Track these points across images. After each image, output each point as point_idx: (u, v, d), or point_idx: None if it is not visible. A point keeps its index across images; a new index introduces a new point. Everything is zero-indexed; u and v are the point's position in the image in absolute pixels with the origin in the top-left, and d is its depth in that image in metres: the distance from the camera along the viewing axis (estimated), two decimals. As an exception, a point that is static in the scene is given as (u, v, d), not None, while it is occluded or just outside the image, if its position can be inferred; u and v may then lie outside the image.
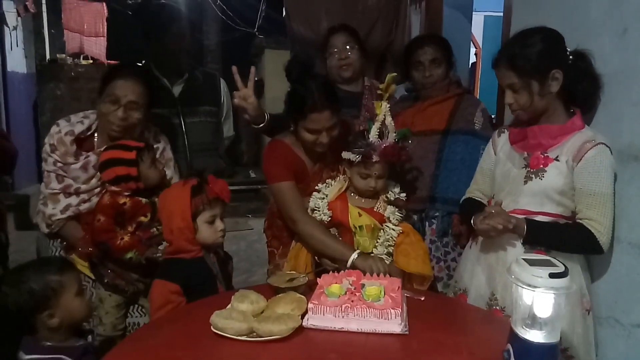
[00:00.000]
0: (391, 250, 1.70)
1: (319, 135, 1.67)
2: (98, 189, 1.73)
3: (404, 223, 1.74)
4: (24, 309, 1.33)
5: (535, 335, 1.03)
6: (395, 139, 1.66)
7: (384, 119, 1.66)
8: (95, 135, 1.78)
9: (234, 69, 1.81)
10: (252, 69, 1.83)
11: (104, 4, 5.86)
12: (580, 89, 1.52)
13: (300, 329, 1.27)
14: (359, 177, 1.69)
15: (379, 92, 1.74)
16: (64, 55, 6.44)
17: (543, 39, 1.46)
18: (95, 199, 1.72)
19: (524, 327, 1.05)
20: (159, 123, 1.95)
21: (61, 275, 1.36)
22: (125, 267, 1.71)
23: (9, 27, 5.59)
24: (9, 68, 5.90)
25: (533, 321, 1.04)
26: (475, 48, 3.60)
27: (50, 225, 1.73)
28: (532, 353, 1.04)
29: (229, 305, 1.33)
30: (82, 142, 1.74)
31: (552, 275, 1.00)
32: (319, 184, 1.77)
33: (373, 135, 1.65)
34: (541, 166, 1.48)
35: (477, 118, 2.03)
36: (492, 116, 2.17)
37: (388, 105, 1.67)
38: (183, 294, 1.51)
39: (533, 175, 1.50)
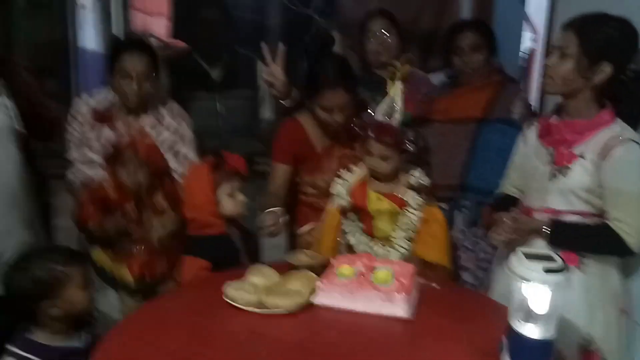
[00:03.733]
0: (411, 235, 1.70)
1: (332, 113, 1.70)
2: None
3: (428, 208, 1.73)
4: (26, 295, 1.34)
5: (529, 330, 1.03)
6: (398, 122, 1.65)
7: (394, 99, 1.65)
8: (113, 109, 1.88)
9: (264, 46, 1.85)
10: (281, 46, 1.87)
11: (168, -17, 6.11)
12: (626, 105, 1.44)
13: (309, 306, 1.32)
14: (366, 156, 1.70)
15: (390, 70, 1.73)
16: (130, 34, 6.78)
17: (622, 30, 1.39)
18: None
19: (518, 320, 1.04)
20: (197, 106, 2.05)
21: (67, 266, 1.37)
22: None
23: (78, 6, 5.93)
24: (82, 45, 6.28)
25: (527, 315, 1.03)
26: (534, 33, 3.40)
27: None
28: (525, 347, 1.03)
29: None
30: (102, 115, 1.85)
31: (547, 270, 0.99)
32: (340, 169, 1.79)
33: (379, 113, 1.65)
34: (565, 163, 1.43)
35: (517, 107, 1.97)
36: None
37: (401, 87, 1.66)
38: (211, 270, 1.60)
39: (558, 173, 1.45)
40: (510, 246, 1.46)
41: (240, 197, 1.70)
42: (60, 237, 2.51)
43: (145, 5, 6.60)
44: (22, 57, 6.11)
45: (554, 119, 1.53)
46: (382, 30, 2.13)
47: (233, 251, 1.70)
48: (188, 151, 1.89)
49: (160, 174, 1.75)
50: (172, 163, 1.83)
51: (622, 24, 1.39)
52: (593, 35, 1.38)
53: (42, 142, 2.34)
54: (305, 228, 1.89)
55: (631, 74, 1.41)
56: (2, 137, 1.50)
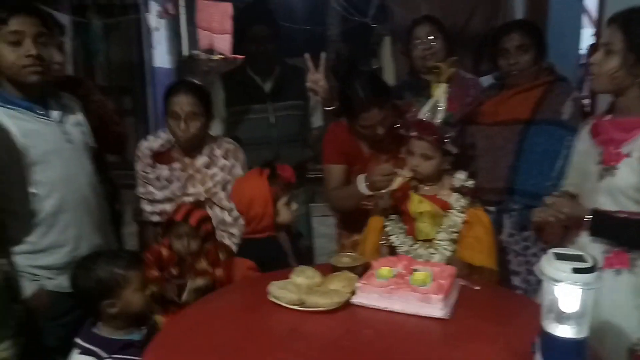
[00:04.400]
0: (454, 237, 1.71)
1: (372, 129, 1.75)
2: (170, 202, 1.95)
3: (472, 210, 1.72)
4: (89, 294, 1.47)
5: (560, 330, 1.02)
6: (440, 121, 1.66)
7: (438, 100, 1.67)
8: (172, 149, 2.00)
9: (307, 56, 1.93)
10: (322, 54, 1.95)
11: (230, 3, 6.40)
12: None
13: (348, 305, 1.37)
14: (408, 156, 1.73)
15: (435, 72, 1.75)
16: (197, 51, 7.18)
17: None
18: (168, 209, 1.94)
19: (550, 321, 1.04)
20: (251, 118, 2.17)
21: (127, 271, 1.49)
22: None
23: (151, 29, 6.38)
24: (155, 64, 6.74)
25: (559, 316, 1.03)
26: (596, 28, 3.23)
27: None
28: (557, 348, 1.03)
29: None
30: (161, 156, 1.98)
31: (576, 271, 0.98)
32: None
33: (422, 113, 1.68)
34: (613, 163, 1.39)
35: (566, 107, 1.92)
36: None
37: (447, 88, 1.68)
38: (258, 270, 1.70)
39: (606, 173, 1.42)
40: (553, 234, 1.44)
41: (294, 206, 1.80)
42: (129, 242, 2.74)
43: (211, 24, 7.00)
44: (101, 77, 6.69)
45: (606, 118, 1.50)
46: (428, 36, 2.16)
47: (280, 253, 1.79)
48: None
49: (209, 239, 1.83)
50: (224, 201, 1.93)
51: None
52: (638, 28, 1.34)
53: (114, 155, 2.58)
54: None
55: None
56: (78, 151, 1.67)
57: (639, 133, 1.37)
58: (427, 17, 2.23)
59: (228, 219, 1.93)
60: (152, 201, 1.99)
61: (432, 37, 2.16)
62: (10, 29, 1.46)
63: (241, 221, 1.87)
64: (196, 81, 2.05)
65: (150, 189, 1.99)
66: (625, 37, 1.35)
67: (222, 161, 1.96)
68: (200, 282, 1.76)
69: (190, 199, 1.94)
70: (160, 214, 1.97)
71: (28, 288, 1.55)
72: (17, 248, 1.54)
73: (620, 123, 1.41)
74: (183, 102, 1.89)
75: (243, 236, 1.80)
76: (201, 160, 1.95)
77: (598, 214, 1.41)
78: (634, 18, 1.36)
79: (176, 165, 1.95)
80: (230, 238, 1.92)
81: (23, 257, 1.55)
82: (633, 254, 1.38)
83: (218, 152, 1.97)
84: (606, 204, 1.43)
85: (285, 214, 1.77)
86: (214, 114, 2.07)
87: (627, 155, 1.38)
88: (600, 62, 1.41)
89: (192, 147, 1.95)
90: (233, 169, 1.97)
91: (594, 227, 1.41)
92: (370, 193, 1.81)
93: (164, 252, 1.79)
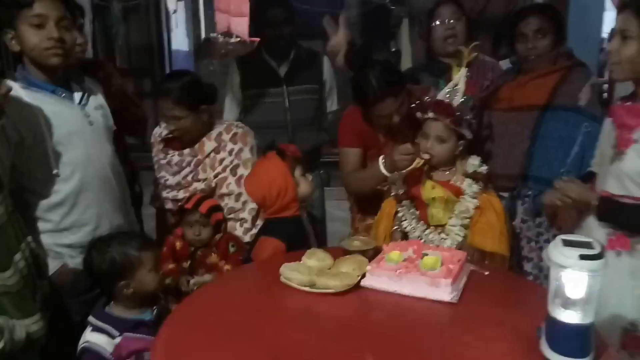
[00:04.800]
0: (467, 223, 1.72)
1: (388, 118, 1.76)
2: (181, 188, 2.00)
3: (485, 196, 1.73)
4: (105, 275, 1.51)
5: (566, 316, 1.04)
6: (459, 101, 1.67)
7: (457, 84, 1.67)
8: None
9: (326, 19, 1.96)
10: (342, 15, 1.97)
11: (248, -15, 6.42)
12: None
13: (357, 288, 1.40)
14: (421, 138, 1.73)
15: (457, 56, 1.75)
16: (215, 34, 7.21)
17: None
18: (180, 196, 2.00)
19: (556, 306, 1.06)
20: (266, 101, 2.20)
21: (140, 252, 1.52)
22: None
23: (169, 11, 6.41)
24: (174, 47, 6.78)
25: (565, 301, 1.04)
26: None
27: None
28: (563, 333, 1.04)
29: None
30: (173, 142, 2.02)
31: (583, 257, 0.99)
32: None
33: (442, 95, 1.68)
34: (623, 148, 1.39)
35: (584, 93, 1.89)
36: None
37: (467, 72, 1.69)
38: (286, 251, 1.73)
39: (616, 157, 1.42)
40: (562, 222, 1.45)
41: (310, 177, 1.86)
42: (149, 223, 2.81)
43: (229, 7, 6.99)
44: (120, 60, 6.76)
45: (627, 104, 1.49)
46: (450, 18, 2.14)
47: (303, 234, 1.84)
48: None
49: (220, 229, 1.92)
50: (232, 185, 1.95)
51: None
52: None
53: (134, 137, 2.64)
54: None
55: None
56: (99, 134, 1.71)
57: None
58: None
59: (236, 205, 1.95)
60: (166, 187, 2.04)
61: (453, 19, 2.14)
62: (34, 12, 1.51)
63: (250, 205, 1.91)
64: (183, 75, 2.03)
65: (164, 174, 2.04)
66: (639, 21, 1.33)
67: (230, 145, 1.97)
68: (207, 277, 1.84)
69: (201, 184, 1.98)
70: (173, 200, 2.02)
71: (52, 265, 1.61)
72: (41, 227, 1.61)
73: (634, 109, 1.40)
74: (163, 107, 1.93)
75: (266, 217, 1.84)
76: (209, 145, 1.97)
77: (604, 200, 1.43)
78: None
79: (186, 151, 1.99)
80: (242, 224, 1.95)
81: (46, 236, 1.61)
82: (634, 237, 1.40)
83: (226, 136, 1.98)
84: (614, 188, 1.44)
85: (304, 185, 1.82)
86: (219, 100, 2.08)
87: (636, 141, 1.37)
88: (618, 50, 1.39)
89: (194, 137, 1.97)
90: (240, 153, 1.98)
91: (599, 212, 1.43)
92: (389, 174, 1.82)
93: (178, 244, 1.89)
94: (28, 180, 1.57)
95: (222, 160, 1.97)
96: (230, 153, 1.97)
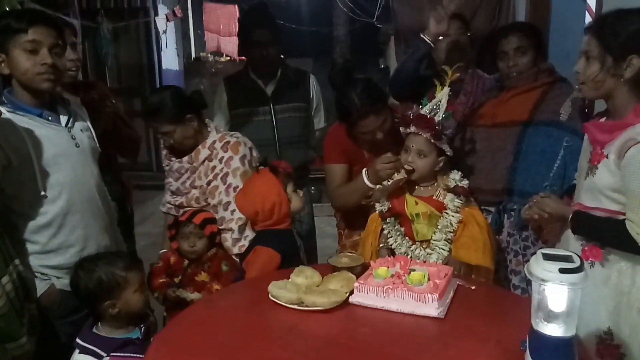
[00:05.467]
0: (450, 237, 1.74)
1: (371, 135, 1.80)
2: (181, 194, 2.06)
3: (467, 210, 1.75)
4: (91, 295, 1.51)
5: (548, 329, 1.05)
6: (439, 117, 1.70)
7: (440, 101, 1.71)
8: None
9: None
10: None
11: (236, 6, 6.48)
12: None
13: (346, 304, 1.41)
14: (402, 152, 1.76)
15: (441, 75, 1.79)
16: (205, 53, 7.29)
17: None
18: (179, 201, 2.06)
19: (539, 320, 1.07)
20: (254, 120, 2.22)
21: (127, 272, 1.54)
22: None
23: (160, 32, 6.48)
24: (164, 66, 6.83)
25: (547, 315, 1.06)
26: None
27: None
28: (546, 346, 1.06)
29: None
30: (173, 149, 2.06)
31: (563, 270, 1.01)
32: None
33: (424, 111, 1.72)
34: (596, 162, 1.43)
35: (565, 108, 1.93)
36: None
37: (449, 91, 1.73)
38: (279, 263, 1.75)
39: (590, 172, 1.46)
40: (548, 235, 1.48)
41: (300, 193, 1.89)
42: (141, 242, 2.80)
43: (218, 27, 7.08)
44: (111, 79, 6.78)
45: (602, 120, 1.53)
46: (457, 32, 2.16)
47: (295, 247, 1.87)
48: (238, 183, 1.97)
49: (214, 241, 1.95)
50: (223, 194, 1.97)
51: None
52: (612, 33, 1.38)
53: (128, 158, 2.64)
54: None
55: None
56: (86, 156, 1.72)
57: (619, 135, 1.39)
58: (455, 15, 2.23)
59: (226, 214, 1.97)
60: (171, 192, 2.11)
61: (459, 33, 2.17)
62: (29, 38, 1.53)
63: (238, 214, 1.93)
64: (161, 91, 2.08)
65: (170, 180, 2.11)
66: (600, 41, 1.40)
67: (221, 153, 2.00)
68: (193, 296, 1.85)
69: (196, 191, 2.02)
70: (174, 206, 2.09)
71: (39, 287, 1.60)
72: (28, 248, 1.60)
73: (604, 125, 1.45)
74: (151, 126, 2.02)
75: (260, 228, 1.86)
76: (204, 153, 2.01)
77: (577, 214, 1.47)
78: (605, 22, 1.42)
79: (185, 158, 2.03)
80: (231, 235, 1.96)
81: (33, 257, 1.61)
82: (606, 249, 1.44)
83: (218, 144, 2.02)
84: (587, 200, 1.48)
85: (296, 200, 1.86)
86: (208, 112, 2.13)
87: (606, 156, 1.41)
88: (583, 70, 1.45)
89: (189, 145, 2.01)
90: (230, 161, 1.99)
91: (573, 226, 1.48)
92: (373, 185, 1.85)
93: (172, 259, 1.93)
94: (15, 203, 1.57)
95: (213, 167, 2.01)
96: (220, 161, 2.00)
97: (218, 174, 2.00)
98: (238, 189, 1.95)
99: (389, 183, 1.77)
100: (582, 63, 1.45)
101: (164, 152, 2.13)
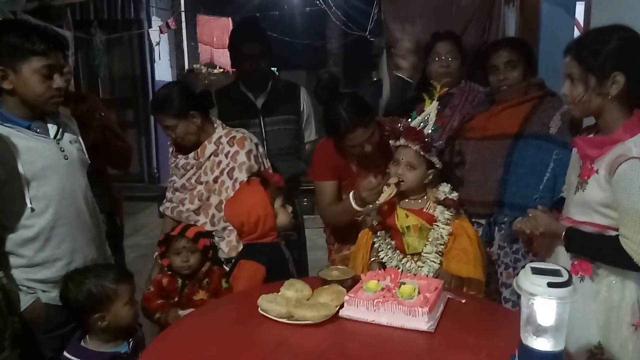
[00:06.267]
0: (441, 250, 1.74)
1: (360, 148, 1.80)
2: (186, 190, 2.07)
3: (458, 222, 1.76)
4: (80, 307, 1.49)
5: (537, 343, 1.05)
6: (429, 130, 1.71)
7: (429, 115, 1.72)
8: None
9: None
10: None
11: (230, 18, 6.53)
12: None
13: (336, 318, 1.40)
14: (393, 167, 1.76)
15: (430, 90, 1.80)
16: (198, 65, 7.31)
17: (619, 38, 1.39)
18: (185, 200, 2.05)
19: (528, 334, 1.07)
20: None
21: (117, 284, 1.52)
22: None
23: (153, 44, 6.50)
24: (157, 77, 6.84)
25: (536, 329, 1.05)
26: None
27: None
28: (535, 360, 1.06)
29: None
30: (179, 146, 2.08)
31: (551, 285, 1.01)
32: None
33: (413, 124, 1.73)
34: (586, 178, 1.44)
35: (554, 122, 1.95)
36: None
37: (438, 105, 1.74)
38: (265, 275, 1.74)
39: (580, 187, 1.46)
40: (539, 248, 1.48)
41: (289, 208, 1.87)
42: (130, 254, 2.78)
43: (212, 39, 7.11)
44: (104, 91, 6.77)
45: (587, 135, 1.54)
46: (448, 54, 2.20)
47: (283, 260, 1.85)
48: (244, 177, 1.98)
49: (208, 255, 1.92)
50: (230, 189, 1.99)
51: (617, 31, 1.39)
52: (591, 53, 1.39)
53: (119, 169, 2.63)
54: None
55: None
56: (74, 168, 1.70)
57: (608, 151, 1.40)
58: (448, 34, 2.27)
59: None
60: (175, 190, 2.12)
61: (450, 56, 2.20)
62: (46, 63, 1.53)
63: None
64: (168, 86, 2.12)
65: (174, 178, 2.13)
66: (580, 63, 1.41)
67: (227, 148, 2.03)
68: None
69: (202, 187, 2.04)
70: (173, 206, 2.11)
71: (24, 301, 1.58)
72: (14, 262, 1.58)
73: (593, 140, 1.46)
74: (159, 119, 2.03)
75: (245, 242, 1.85)
76: (209, 148, 2.03)
77: (571, 232, 1.46)
78: (583, 43, 1.43)
79: (191, 154, 2.05)
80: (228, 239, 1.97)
81: (19, 271, 1.58)
82: (595, 263, 1.44)
83: (224, 139, 2.04)
84: (576, 214, 1.49)
85: (283, 216, 1.84)
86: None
87: (596, 171, 1.41)
88: (569, 92, 1.46)
89: (193, 141, 2.03)
90: (236, 156, 2.01)
91: (567, 244, 1.47)
92: (361, 209, 1.84)
93: (165, 280, 1.87)
94: (1, 216, 1.55)
95: (219, 162, 2.02)
96: (226, 156, 2.02)
97: (225, 169, 2.01)
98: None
99: (379, 200, 1.77)
100: (568, 85, 1.46)
101: (170, 149, 2.15)
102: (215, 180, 2.02)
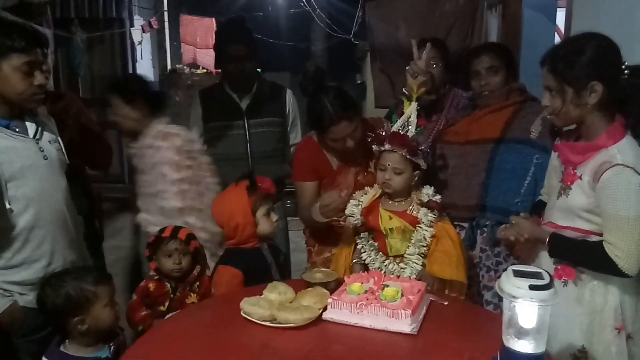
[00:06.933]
0: (424, 251, 1.75)
1: (342, 142, 1.80)
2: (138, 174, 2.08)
3: (440, 224, 1.77)
4: (59, 311, 1.46)
5: (519, 345, 1.06)
6: (412, 134, 1.72)
7: (410, 117, 1.73)
8: None
9: (413, 41, 1.97)
10: (428, 45, 1.95)
11: (213, 19, 6.49)
12: (635, 109, 1.44)
13: (319, 321, 1.40)
14: (378, 170, 1.77)
15: (406, 92, 1.82)
16: (181, 65, 7.24)
17: (593, 47, 1.39)
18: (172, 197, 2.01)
19: (509, 336, 1.08)
20: (228, 134, 2.22)
21: (96, 287, 1.49)
22: None
23: (135, 43, 6.42)
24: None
25: (517, 331, 1.06)
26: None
27: None
28: (516, 362, 1.07)
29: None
30: (124, 132, 2.14)
31: (533, 287, 1.03)
32: (355, 191, 1.86)
33: (395, 128, 1.73)
34: (569, 183, 1.45)
35: (535, 126, 1.98)
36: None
37: (417, 106, 1.76)
38: (243, 279, 1.71)
39: (562, 192, 1.48)
40: (520, 252, 1.50)
41: (274, 217, 1.84)
42: (109, 256, 2.73)
43: (195, 39, 7.04)
44: (84, 90, 6.66)
45: (569, 140, 1.56)
46: (432, 60, 2.16)
47: (264, 265, 1.82)
48: (171, 174, 1.97)
49: (198, 258, 1.87)
50: (160, 184, 1.98)
51: (590, 39, 1.40)
52: (563, 65, 1.40)
53: (100, 170, 2.59)
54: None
55: (629, 72, 1.40)
56: (54, 168, 1.67)
57: (591, 157, 1.42)
58: (433, 40, 2.27)
59: (164, 203, 1.99)
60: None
61: (432, 63, 2.18)
62: (27, 59, 1.50)
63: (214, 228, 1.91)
64: (130, 74, 2.21)
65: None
66: (555, 75, 1.42)
67: (157, 142, 2.03)
68: None
69: (143, 176, 2.06)
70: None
71: (1, 304, 1.54)
72: (-9, 263, 1.54)
73: (576, 147, 1.47)
74: (108, 97, 2.10)
75: (226, 246, 1.83)
76: (144, 141, 2.06)
77: (555, 237, 1.47)
78: (558, 55, 1.43)
79: (136, 144, 2.09)
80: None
81: (-4, 273, 1.55)
82: (578, 268, 1.46)
83: (157, 134, 2.05)
84: (559, 219, 1.50)
85: (264, 225, 1.81)
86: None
87: (580, 177, 1.43)
88: (550, 103, 1.47)
89: (129, 130, 2.10)
90: (162, 151, 2.01)
91: (551, 250, 1.48)
92: (324, 220, 1.84)
93: (151, 285, 1.77)
94: (-22, 217, 1.51)
95: (152, 156, 2.03)
96: (155, 150, 2.03)
97: (156, 163, 2.01)
98: (174, 180, 1.97)
99: (363, 199, 1.77)
100: (547, 97, 1.47)
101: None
102: (150, 173, 2.02)
